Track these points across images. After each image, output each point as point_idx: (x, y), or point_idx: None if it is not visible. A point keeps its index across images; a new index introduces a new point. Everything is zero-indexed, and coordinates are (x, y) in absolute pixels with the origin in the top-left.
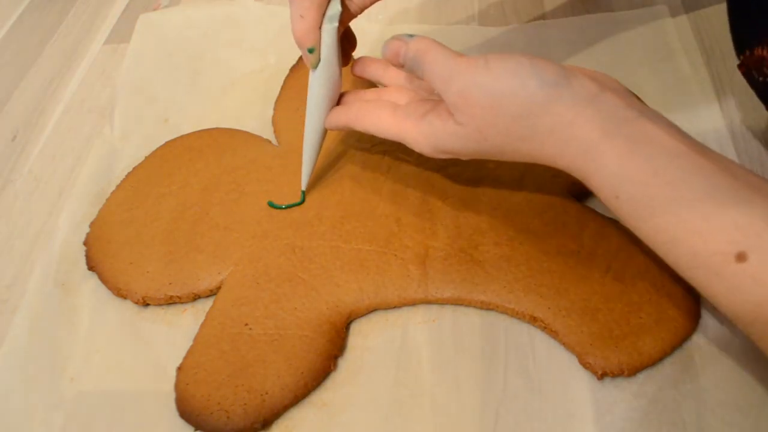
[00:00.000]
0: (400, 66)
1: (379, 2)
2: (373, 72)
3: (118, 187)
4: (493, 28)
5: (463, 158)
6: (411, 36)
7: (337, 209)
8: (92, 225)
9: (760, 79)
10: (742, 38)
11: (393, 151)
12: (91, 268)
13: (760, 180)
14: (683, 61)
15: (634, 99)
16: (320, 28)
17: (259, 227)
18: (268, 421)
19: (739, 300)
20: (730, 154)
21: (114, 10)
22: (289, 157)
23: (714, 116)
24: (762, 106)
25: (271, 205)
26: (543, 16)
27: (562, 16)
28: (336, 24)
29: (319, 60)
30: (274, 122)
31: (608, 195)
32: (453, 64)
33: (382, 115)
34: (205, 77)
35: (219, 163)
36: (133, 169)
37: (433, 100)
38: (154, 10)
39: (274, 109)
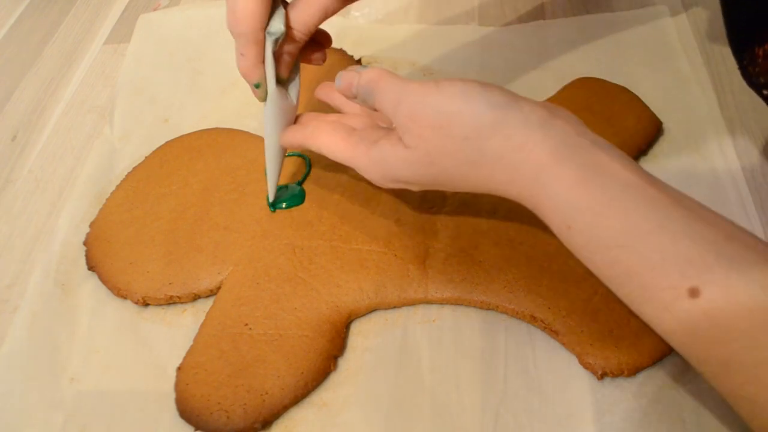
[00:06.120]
0: (353, 98)
1: (379, 3)
2: (336, 98)
3: (118, 187)
4: (493, 28)
5: (414, 189)
6: (364, 67)
7: (337, 209)
8: (92, 225)
9: (762, 80)
10: (739, 41)
11: None
12: (91, 268)
13: (711, 213)
14: (683, 61)
15: (585, 128)
16: (263, 62)
17: (259, 227)
18: (268, 421)
19: (690, 337)
20: (731, 154)
21: (114, 10)
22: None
23: (714, 116)
24: (763, 105)
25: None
26: (543, 16)
27: (562, 16)
28: (274, 38)
29: (266, 93)
30: None
31: (560, 225)
32: (403, 87)
33: (336, 137)
34: (205, 77)
35: (219, 163)
36: (133, 169)
37: (388, 128)
38: (154, 10)
39: None
